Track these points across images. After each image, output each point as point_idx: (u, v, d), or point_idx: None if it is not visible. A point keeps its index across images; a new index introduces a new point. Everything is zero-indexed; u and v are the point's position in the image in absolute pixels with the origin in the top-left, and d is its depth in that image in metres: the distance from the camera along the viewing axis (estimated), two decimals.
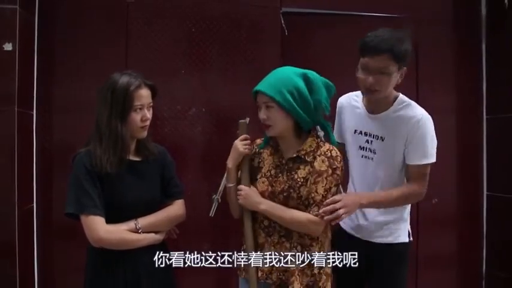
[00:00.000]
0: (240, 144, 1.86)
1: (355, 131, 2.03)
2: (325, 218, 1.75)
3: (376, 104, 1.97)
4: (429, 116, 1.94)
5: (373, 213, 2.01)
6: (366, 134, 2.00)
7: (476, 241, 3.17)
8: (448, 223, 3.09)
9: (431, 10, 3.13)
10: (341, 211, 1.76)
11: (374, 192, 1.98)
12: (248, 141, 1.88)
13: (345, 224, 2.12)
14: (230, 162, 1.87)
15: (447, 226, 3.09)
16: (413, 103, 1.97)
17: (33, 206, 2.71)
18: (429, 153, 1.93)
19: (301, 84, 1.76)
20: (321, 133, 1.89)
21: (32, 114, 2.71)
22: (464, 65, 3.20)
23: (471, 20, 3.20)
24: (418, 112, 1.93)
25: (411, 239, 2.09)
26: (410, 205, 2.10)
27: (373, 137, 1.98)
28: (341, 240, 2.08)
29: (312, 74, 1.80)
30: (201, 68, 2.87)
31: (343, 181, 1.87)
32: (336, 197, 1.79)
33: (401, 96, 1.98)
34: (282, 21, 2.93)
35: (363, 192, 2.00)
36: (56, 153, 2.74)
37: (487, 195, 3.16)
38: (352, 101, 2.08)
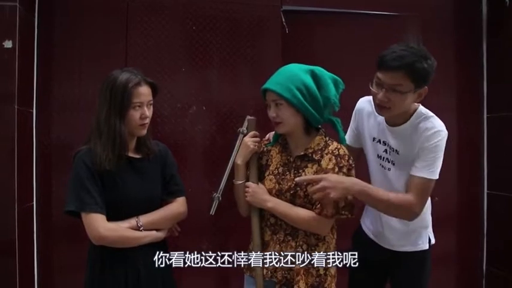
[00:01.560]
0: (250, 141, 1.86)
1: (374, 138, 1.96)
2: (315, 196, 1.68)
3: (394, 116, 1.85)
4: (447, 132, 1.83)
5: (393, 222, 1.97)
6: (384, 144, 1.93)
7: (477, 240, 3.16)
8: (448, 222, 3.08)
9: (432, 8, 3.12)
10: (327, 191, 1.66)
11: (370, 187, 1.82)
12: (258, 139, 1.89)
13: (367, 228, 2.11)
14: (239, 159, 1.87)
15: (448, 225, 3.08)
16: (432, 116, 1.85)
17: (33, 204, 2.70)
18: (435, 168, 1.81)
19: (309, 80, 1.76)
20: (322, 130, 1.89)
21: (32, 113, 2.70)
22: (465, 64, 3.18)
23: (472, 18, 3.18)
24: (437, 125, 1.82)
25: (433, 242, 2.06)
26: (430, 211, 2.03)
27: (390, 149, 1.91)
28: (362, 243, 2.09)
29: (319, 70, 1.81)
30: (202, 66, 2.86)
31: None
32: (314, 177, 1.70)
33: (420, 108, 1.87)
34: (283, 19, 2.91)
35: (357, 180, 1.79)
36: (56, 151, 2.73)
37: (487, 193, 3.15)
38: (373, 106, 1.92)
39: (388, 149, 1.92)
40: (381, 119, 1.92)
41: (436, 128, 1.81)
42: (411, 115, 1.85)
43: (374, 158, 1.98)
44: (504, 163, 3.02)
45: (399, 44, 1.77)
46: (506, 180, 2.99)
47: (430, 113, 1.87)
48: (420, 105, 1.88)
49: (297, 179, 1.75)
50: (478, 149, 3.17)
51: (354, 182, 1.76)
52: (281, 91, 1.74)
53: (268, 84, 1.79)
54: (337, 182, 1.70)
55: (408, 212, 1.84)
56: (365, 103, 2.02)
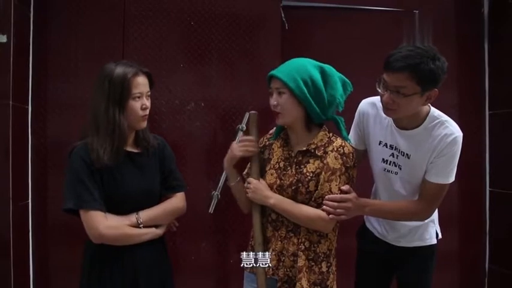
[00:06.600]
0: (236, 148, 1.82)
1: (380, 142, 1.90)
2: (330, 216, 1.72)
3: (404, 119, 1.80)
4: (462, 133, 1.80)
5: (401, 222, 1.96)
6: (391, 147, 1.87)
7: (479, 238, 3.14)
8: (450, 219, 3.06)
9: (434, 5, 3.10)
10: (343, 214, 1.73)
11: (381, 204, 1.93)
12: (246, 143, 1.82)
13: (372, 227, 2.09)
14: (225, 162, 1.85)
15: (450, 222, 3.05)
16: (446, 120, 1.80)
17: (28, 203, 2.67)
18: (452, 173, 1.81)
19: (316, 75, 1.74)
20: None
21: (27, 109, 2.67)
22: (467, 60, 3.16)
23: (474, 15, 3.16)
24: (455, 130, 1.78)
25: (440, 237, 2.05)
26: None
27: (399, 153, 1.85)
28: (368, 240, 2.08)
29: (329, 68, 1.79)
30: (200, 62, 2.83)
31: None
32: (345, 196, 1.74)
33: (432, 110, 1.81)
34: (282, 15, 2.89)
35: (371, 201, 1.95)
36: (52, 148, 2.70)
37: (489, 191, 3.13)
38: (378, 109, 1.88)
39: (395, 153, 1.87)
40: (389, 122, 1.87)
41: (454, 134, 1.77)
42: (424, 119, 1.80)
43: (378, 162, 1.94)
44: (506, 160, 3.00)
45: (408, 43, 1.73)
46: (508, 177, 2.98)
47: (444, 116, 1.82)
48: (432, 107, 1.83)
49: (327, 196, 1.73)
50: (480, 146, 3.14)
51: (367, 203, 1.85)
52: (285, 79, 1.72)
53: (274, 71, 1.78)
54: (359, 206, 1.79)
55: (419, 219, 1.91)
56: (369, 106, 1.96)
